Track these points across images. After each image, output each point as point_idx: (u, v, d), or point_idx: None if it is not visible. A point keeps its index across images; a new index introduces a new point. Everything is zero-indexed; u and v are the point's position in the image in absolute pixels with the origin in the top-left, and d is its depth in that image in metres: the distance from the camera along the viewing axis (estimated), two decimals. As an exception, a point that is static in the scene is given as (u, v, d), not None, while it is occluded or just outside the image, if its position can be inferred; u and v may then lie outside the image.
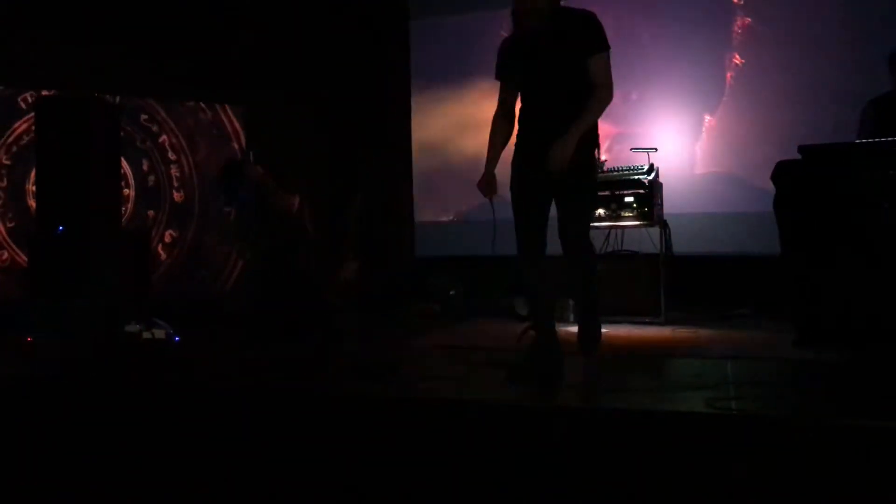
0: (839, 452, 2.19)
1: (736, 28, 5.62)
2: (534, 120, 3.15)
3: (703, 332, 4.33)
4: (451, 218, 6.55)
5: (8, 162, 5.56)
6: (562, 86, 3.04)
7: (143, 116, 6.04)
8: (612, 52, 3.08)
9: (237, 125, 6.43)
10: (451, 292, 5.65)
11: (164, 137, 6.13)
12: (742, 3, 5.61)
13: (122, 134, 4.94)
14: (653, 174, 4.83)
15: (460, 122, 6.46)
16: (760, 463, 2.24)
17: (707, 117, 5.69)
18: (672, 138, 5.71)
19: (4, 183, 5.57)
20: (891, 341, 3.38)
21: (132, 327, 4.21)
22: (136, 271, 4.57)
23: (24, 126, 5.55)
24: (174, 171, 6.18)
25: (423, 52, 6.62)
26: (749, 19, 5.58)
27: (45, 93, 5.38)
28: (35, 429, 3.08)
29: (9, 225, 5.57)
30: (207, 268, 6.26)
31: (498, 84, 3.25)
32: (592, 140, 3.14)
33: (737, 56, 5.62)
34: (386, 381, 3.08)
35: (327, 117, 6.59)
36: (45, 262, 4.24)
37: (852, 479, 2.13)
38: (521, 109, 3.22)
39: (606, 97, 3.04)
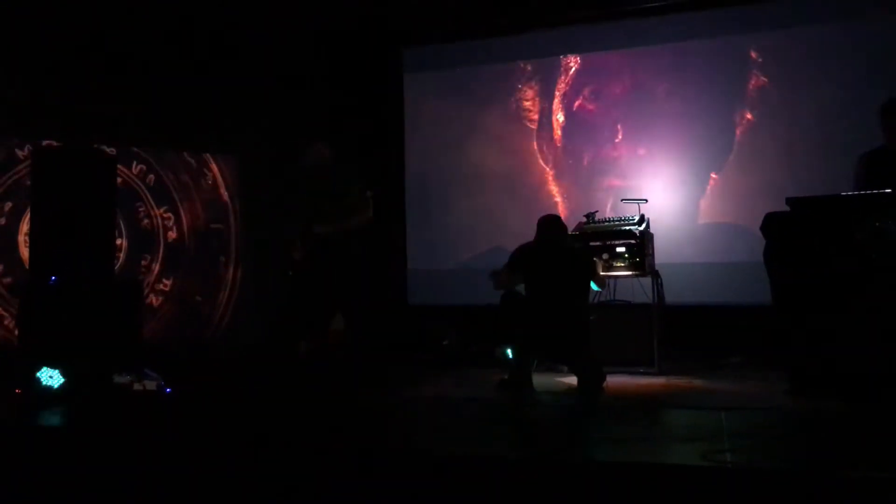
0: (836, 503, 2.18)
1: (751, 86, 5.74)
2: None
3: (697, 382, 4.34)
4: (444, 266, 6.57)
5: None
6: None
7: (135, 163, 6.11)
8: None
9: (225, 174, 6.51)
10: (444, 342, 5.63)
11: (154, 184, 6.20)
12: (760, 60, 5.71)
13: (118, 181, 4.97)
14: (643, 225, 4.89)
15: (453, 173, 6.54)
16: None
17: (713, 175, 5.78)
18: (671, 190, 5.82)
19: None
20: (882, 389, 3.40)
21: (123, 378, 4.17)
22: (128, 321, 4.54)
23: (16, 176, 5.60)
24: (166, 217, 6.23)
25: (417, 104, 6.74)
26: (764, 79, 5.70)
27: (41, 143, 5.43)
28: (24, 480, 3.03)
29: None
30: (198, 315, 6.25)
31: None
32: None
33: (748, 113, 5.74)
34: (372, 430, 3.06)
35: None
36: (38, 312, 4.21)
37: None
38: None
39: None
